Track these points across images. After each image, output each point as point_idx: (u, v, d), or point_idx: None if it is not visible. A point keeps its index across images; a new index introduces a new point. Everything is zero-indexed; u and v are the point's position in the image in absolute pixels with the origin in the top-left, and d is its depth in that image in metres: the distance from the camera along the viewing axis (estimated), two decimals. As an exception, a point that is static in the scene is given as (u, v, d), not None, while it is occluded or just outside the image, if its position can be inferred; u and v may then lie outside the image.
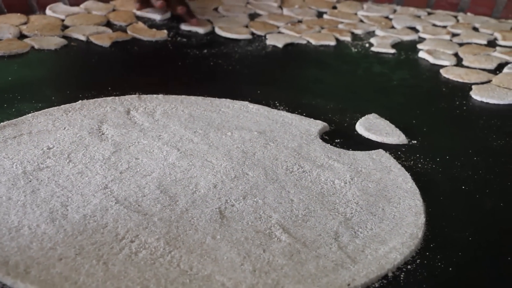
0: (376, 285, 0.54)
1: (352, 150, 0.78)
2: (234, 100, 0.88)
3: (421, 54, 1.17)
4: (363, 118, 0.86)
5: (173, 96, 0.88)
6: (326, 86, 1.03)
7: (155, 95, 0.87)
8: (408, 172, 0.72)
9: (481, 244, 0.61)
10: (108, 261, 0.53)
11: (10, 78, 0.92)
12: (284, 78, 1.04)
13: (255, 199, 0.64)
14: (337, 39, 1.23)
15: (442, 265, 0.57)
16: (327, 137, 0.81)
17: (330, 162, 0.73)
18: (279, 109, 0.87)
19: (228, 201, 0.63)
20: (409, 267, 0.56)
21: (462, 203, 0.68)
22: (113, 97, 0.86)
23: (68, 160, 0.68)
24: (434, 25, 1.36)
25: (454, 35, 1.30)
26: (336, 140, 0.80)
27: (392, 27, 1.33)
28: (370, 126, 0.84)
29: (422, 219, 0.63)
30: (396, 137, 0.81)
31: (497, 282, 0.57)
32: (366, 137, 0.82)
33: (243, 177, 0.68)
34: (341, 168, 0.72)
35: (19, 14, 1.18)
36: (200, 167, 0.69)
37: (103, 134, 0.75)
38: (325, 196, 0.66)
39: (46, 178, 0.65)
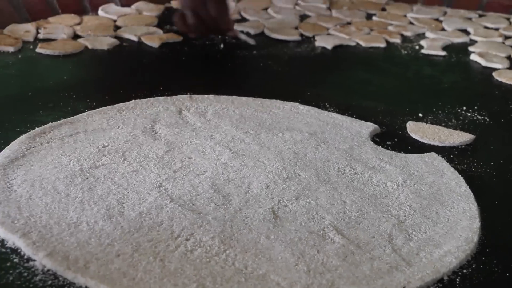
0: (432, 289, 0.53)
1: (404, 152, 0.77)
2: (285, 101, 0.88)
3: (473, 57, 1.15)
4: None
5: (224, 96, 0.88)
6: (375, 88, 1.02)
7: (206, 95, 0.88)
8: (462, 176, 0.72)
9: (538, 250, 0.60)
10: (165, 258, 0.54)
11: (65, 77, 0.94)
12: (333, 80, 1.04)
13: (307, 200, 0.64)
14: (386, 41, 1.22)
15: (498, 270, 0.56)
16: (378, 139, 0.81)
17: (382, 165, 0.73)
18: (329, 111, 0.87)
19: (281, 201, 0.64)
20: (464, 271, 0.56)
21: (517, 207, 0.67)
22: (165, 96, 0.87)
23: (123, 158, 0.70)
24: (485, 27, 1.34)
25: (506, 37, 1.28)
26: (388, 142, 0.80)
27: (443, 29, 1.32)
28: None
29: (477, 223, 0.62)
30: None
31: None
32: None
33: (295, 177, 0.69)
34: (393, 171, 0.72)
35: (72, 14, 1.20)
36: (252, 167, 0.70)
37: (156, 133, 0.76)
38: (377, 198, 0.66)
39: (102, 176, 0.66)
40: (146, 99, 0.85)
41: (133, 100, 0.84)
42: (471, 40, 1.26)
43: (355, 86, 1.02)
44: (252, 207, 0.62)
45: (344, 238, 0.58)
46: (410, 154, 0.76)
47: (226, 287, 0.51)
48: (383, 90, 1.01)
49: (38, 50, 1.01)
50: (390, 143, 0.80)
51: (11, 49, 1.01)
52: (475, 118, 0.90)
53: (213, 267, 0.53)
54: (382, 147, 0.78)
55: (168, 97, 0.86)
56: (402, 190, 0.68)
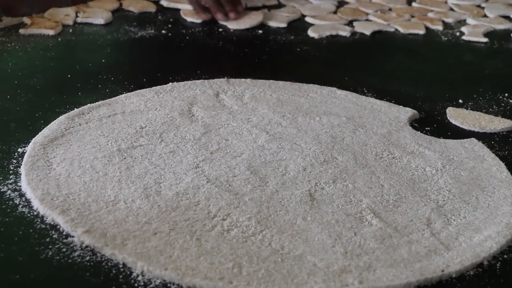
0: (471, 273, 0.52)
1: (443, 138, 0.76)
2: (322, 86, 0.88)
3: (515, 43, 1.13)
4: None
5: (261, 80, 0.88)
6: (414, 74, 1.01)
7: (243, 79, 0.88)
8: (503, 162, 0.70)
9: None
10: (201, 237, 0.54)
11: (103, 61, 0.95)
12: (371, 65, 1.03)
13: (345, 183, 0.64)
14: (426, 28, 1.20)
15: (540, 256, 0.55)
16: (416, 124, 0.80)
17: (420, 150, 0.72)
18: (367, 96, 0.86)
19: (318, 184, 0.63)
20: (505, 256, 0.55)
21: (560, 195, 0.66)
22: (202, 80, 0.87)
23: (160, 140, 0.70)
24: (529, 13, 1.31)
25: (550, 24, 1.25)
26: (426, 128, 0.79)
27: (485, 15, 1.29)
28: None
29: (518, 209, 0.61)
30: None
31: None
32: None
33: (333, 161, 0.68)
34: (432, 156, 0.71)
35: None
36: (289, 150, 0.70)
37: (193, 115, 0.77)
38: (416, 182, 0.65)
39: (139, 156, 0.66)
40: (184, 82, 0.86)
41: (170, 83, 0.85)
42: (514, 26, 1.24)
43: (394, 71, 1.01)
44: (288, 189, 0.62)
45: (382, 221, 0.58)
46: (450, 140, 0.75)
47: (263, 267, 0.51)
48: (422, 76, 0.99)
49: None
50: (429, 128, 0.79)
51: (51, 32, 1.02)
52: (517, 104, 0.88)
53: (250, 247, 0.53)
54: (421, 132, 0.77)
55: (205, 81, 0.86)
56: (441, 175, 0.67)
